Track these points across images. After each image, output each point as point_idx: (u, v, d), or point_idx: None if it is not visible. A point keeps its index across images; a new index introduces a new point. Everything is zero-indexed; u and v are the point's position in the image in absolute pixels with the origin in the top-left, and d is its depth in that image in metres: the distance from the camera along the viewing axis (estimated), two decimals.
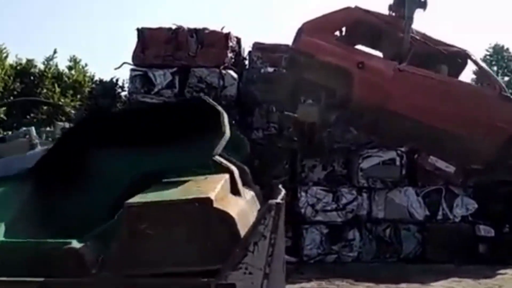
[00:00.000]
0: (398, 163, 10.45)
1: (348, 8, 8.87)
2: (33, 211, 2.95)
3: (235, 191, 3.02)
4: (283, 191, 3.50)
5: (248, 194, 3.40)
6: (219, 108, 3.18)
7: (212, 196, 2.42)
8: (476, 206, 10.61)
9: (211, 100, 3.38)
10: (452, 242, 10.29)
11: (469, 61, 9.23)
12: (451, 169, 10.42)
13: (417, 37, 8.69)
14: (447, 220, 10.63)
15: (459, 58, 9.05)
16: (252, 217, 2.55)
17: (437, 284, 8.50)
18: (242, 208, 2.81)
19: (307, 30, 8.65)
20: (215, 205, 2.35)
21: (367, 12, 8.82)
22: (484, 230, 10.55)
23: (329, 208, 10.34)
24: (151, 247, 2.33)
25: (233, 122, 10.59)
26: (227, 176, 2.98)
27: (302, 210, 10.29)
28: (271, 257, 2.06)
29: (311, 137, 10.33)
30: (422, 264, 9.99)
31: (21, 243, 2.53)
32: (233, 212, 2.37)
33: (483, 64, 9.29)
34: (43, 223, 2.88)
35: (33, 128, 4.92)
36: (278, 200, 2.19)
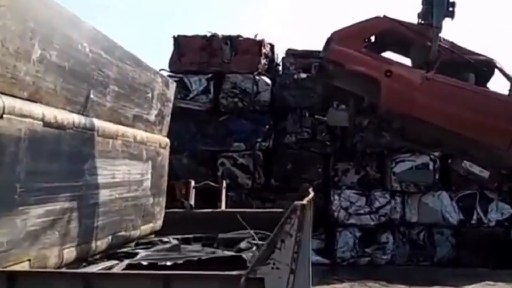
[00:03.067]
0: (431, 167, 10.54)
1: (377, 18, 8.93)
2: None
3: None
4: (312, 193, 3.66)
5: None
6: None
7: None
8: (511, 211, 10.58)
9: None
10: (487, 246, 10.27)
11: (496, 70, 9.21)
12: (485, 173, 10.35)
13: (445, 46, 8.70)
14: (482, 225, 10.63)
15: (486, 67, 9.03)
16: None
17: (470, 287, 8.52)
18: None
19: (337, 39, 8.76)
20: None
21: (396, 21, 8.89)
22: None
23: (362, 211, 10.47)
24: None
25: (267, 127, 10.80)
26: None
27: (335, 213, 10.44)
28: (297, 254, 2.24)
29: (344, 142, 10.45)
30: (456, 268, 10.01)
31: None
32: None
33: (510, 73, 9.22)
34: None
35: None
36: (304, 202, 2.36)
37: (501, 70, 8.96)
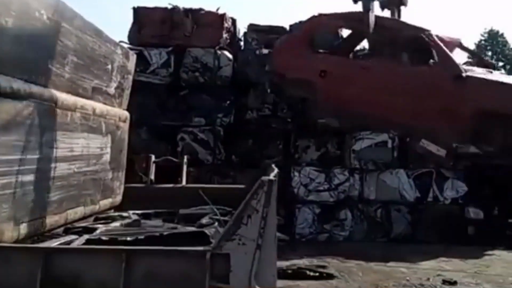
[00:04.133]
0: (390, 145, 10.63)
1: (311, 18, 8.95)
2: None
3: None
4: (276, 170, 3.62)
5: None
6: None
7: None
8: (466, 189, 10.78)
9: None
10: (442, 223, 10.47)
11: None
12: (442, 152, 10.56)
13: (381, 25, 8.60)
14: (437, 202, 10.81)
15: (421, 40, 8.99)
16: None
17: (425, 263, 8.66)
18: None
19: (276, 50, 8.83)
20: None
21: (331, 15, 8.88)
22: (474, 213, 10.73)
23: (321, 188, 10.52)
24: None
25: (228, 102, 10.72)
26: None
27: (295, 190, 10.47)
28: (263, 229, 2.20)
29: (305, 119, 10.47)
30: (412, 244, 10.18)
31: None
32: None
33: (441, 45, 9.18)
34: None
35: None
36: (271, 177, 2.32)
37: (432, 42, 8.93)
